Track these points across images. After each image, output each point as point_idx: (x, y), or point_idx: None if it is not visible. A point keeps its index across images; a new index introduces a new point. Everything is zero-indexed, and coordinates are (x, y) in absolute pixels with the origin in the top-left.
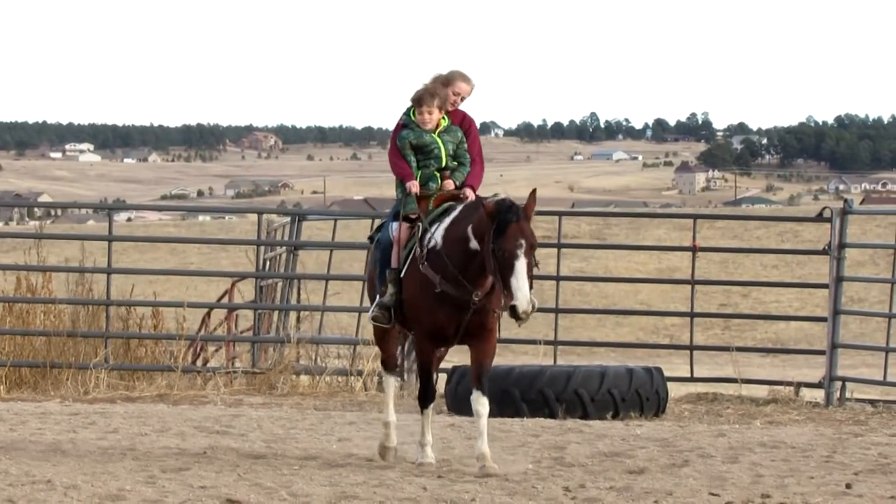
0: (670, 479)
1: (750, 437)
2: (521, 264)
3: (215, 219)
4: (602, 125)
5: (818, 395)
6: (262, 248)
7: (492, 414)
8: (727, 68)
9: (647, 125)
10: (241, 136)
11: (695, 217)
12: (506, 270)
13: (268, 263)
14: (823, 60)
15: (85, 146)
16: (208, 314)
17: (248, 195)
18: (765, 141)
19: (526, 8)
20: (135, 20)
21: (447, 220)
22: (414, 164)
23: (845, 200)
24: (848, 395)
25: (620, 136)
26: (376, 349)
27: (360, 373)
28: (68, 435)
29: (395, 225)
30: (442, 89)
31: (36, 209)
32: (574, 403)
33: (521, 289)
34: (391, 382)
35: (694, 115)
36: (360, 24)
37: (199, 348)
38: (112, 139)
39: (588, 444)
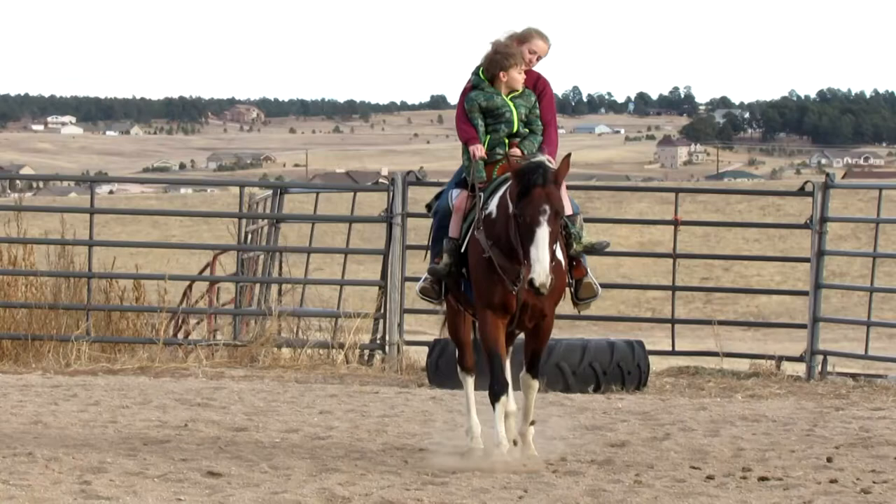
0: (651, 453)
1: (731, 411)
2: (542, 232)
3: (197, 191)
4: (584, 99)
5: (799, 368)
6: (244, 220)
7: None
8: (710, 42)
9: (629, 99)
10: (224, 108)
11: (677, 191)
12: (526, 238)
13: (249, 236)
14: (806, 34)
15: (67, 119)
16: (190, 287)
17: (230, 168)
18: (747, 115)
19: None
20: None
21: (503, 189)
22: (482, 129)
23: (827, 175)
24: (829, 368)
25: (603, 110)
26: (358, 322)
27: (341, 345)
28: (50, 407)
29: (455, 192)
30: (516, 47)
31: (18, 181)
32: (556, 376)
33: (541, 260)
34: (470, 384)
35: (676, 88)
36: None
37: (180, 321)
38: (94, 112)
39: (570, 417)
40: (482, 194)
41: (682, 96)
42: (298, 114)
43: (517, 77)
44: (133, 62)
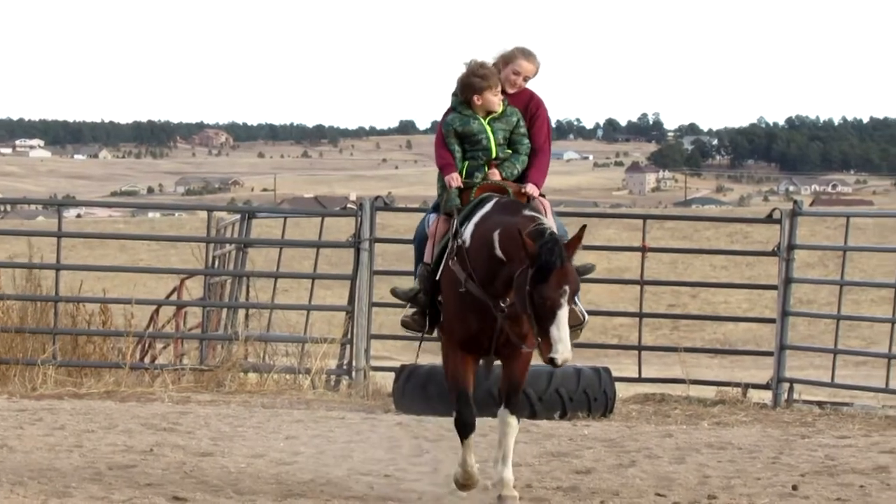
0: (617, 480)
1: (697, 438)
2: (563, 313)
3: (165, 216)
4: (553, 125)
5: (766, 396)
6: (212, 245)
7: (438, 413)
8: (679, 69)
9: (598, 125)
10: (192, 132)
11: (644, 217)
12: (546, 319)
13: (217, 261)
14: (775, 62)
15: (35, 142)
16: (157, 311)
17: (198, 192)
18: (715, 142)
19: (476, 6)
20: (86, 16)
21: (478, 215)
22: (458, 155)
23: (795, 202)
24: (796, 396)
25: (571, 136)
26: (324, 347)
27: (308, 371)
28: (15, 431)
29: (432, 217)
30: (491, 68)
31: None
32: (522, 403)
33: (563, 340)
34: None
35: (645, 115)
36: (310, 22)
37: (147, 345)
38: (62, 135)
39: (535, 443)
40: (456, 221)
41: (651, 123)
42: (267, 138)
43: (492, 99)
44: (102, 86)
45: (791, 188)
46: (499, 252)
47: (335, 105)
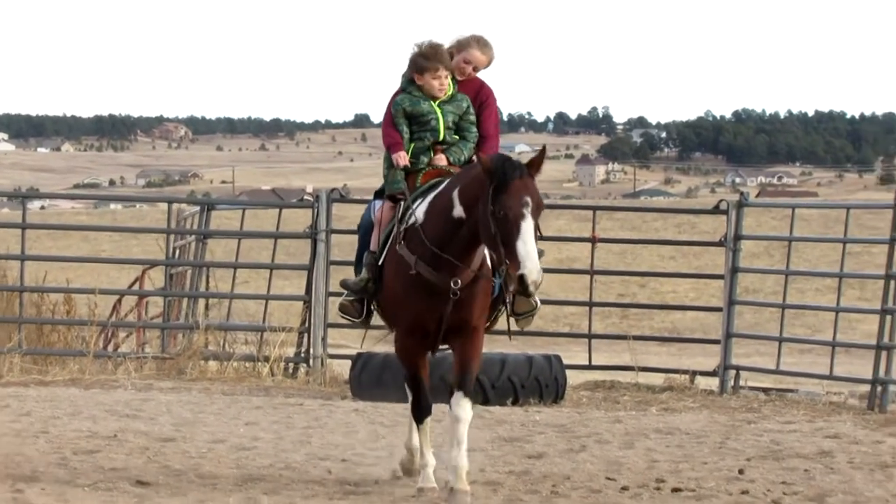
0: (568, 464)
1: (646, 424)
2: (528, 226)
3: (126, 207)
4: (504, 118)
5: (713, 383)
6: (172, 236)
7: (393, 400)
8: (628, 63)
9: (548, 118)
10: (152, 126)
11: (594, 209)
12: (511, 234)
13: (177, 251)
14: (722, 55)
15: None
16: (119, 301)
17: (158, 185)
18: (664, 135)
19: (429, 2)
20: (47, 11)
21: (433, 194)
22: (406, 135)
23: (741, 193)
24: (742, 383)
25: (523, 129)
26: (283, 336)
27: (266, 359)
28: None
29: (377, 203)
30: (438, 53)
31: None
32: (475, 390)
33: (531, 255)
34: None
35: (595, 108)
36: (268, 19)
37: (110, 334)
38: (26, 129)
39: (488, 429)
40: (401, 206)
41: (601, 116)
42: (225, 132)
43: (432, 83)
44: (64, 80)
45: (737, 180)
46: (458, 209)
47: (292, 99)
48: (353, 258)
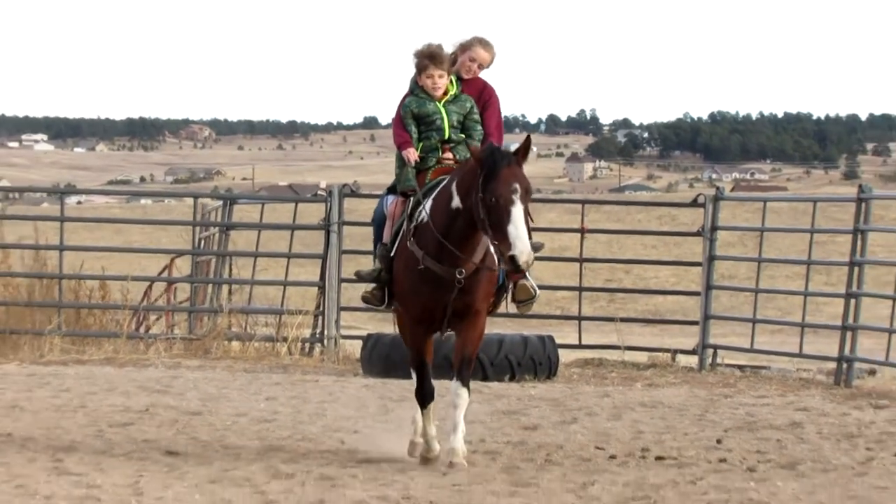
0: (561, 435)
1: (631, 398)
2: (517, 210)
3: (156, 202)
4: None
5: (692, 360)
6: (198, 228)
7: (400, 376)
8: (613, 69)
9: (540, 120)
10: (179, 128)
11: (583, 202)
12: (501, 219)
13: (203, 242)
14: (699, 62)
15: (39, 136)
16: (150, 287)
17: (185, 181)
18: (646, 135)
19: (430, 13)
20: (85, 24)
21: (436, 192)
22: (415, 135)
23: (717, 188)
24: (719, 360)
25: (517, 130)
26: (299, 318)
27: (284, 339)
28: (25, 394)
29: (390, 198)
30: (435, 54)
31: None
32: (475, 368)
33: (521, 237)
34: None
35: (583, 111)
36: (285, 29)
37: (141, 317)
38: (64, 130)
39: (487, 403)
40: (411, 201)
41: (588, 118)
42: (246, 132)
43: (426, 82)
44: (99, 86)
45: (713, 176)
46: (456, 200)
47: (306, 103)
48: (362, 248)
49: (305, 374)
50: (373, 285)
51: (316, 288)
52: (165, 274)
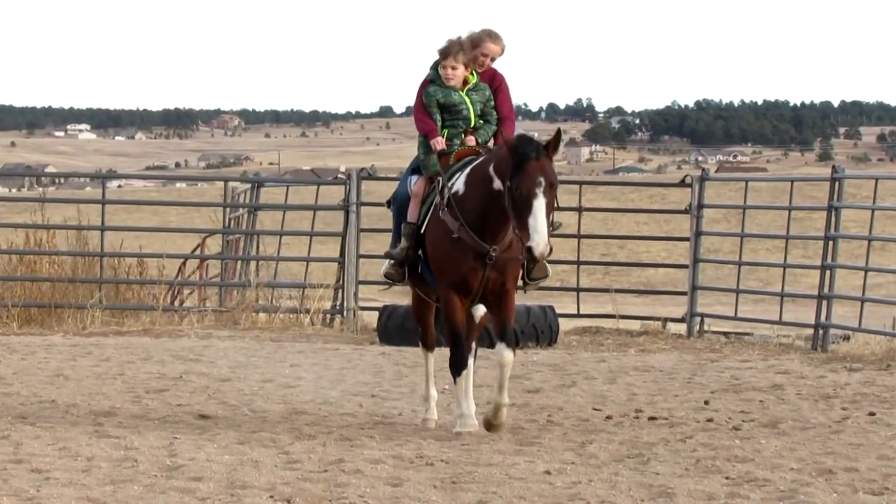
0: (561, 397)
1: (626, 363)
2: (539, 203)
3: (190, 185)
4: None
5: (681, 328)
6: (228, 209)
7: (415, 345)
8: (608, 61)
9: (541, 108)
10: (211, 117)
11: (580, 183)
12: (523, 210)
13: (232, 222)
14: (686, 55)
15: (83, 126)
16: (184, 263)
17: (216, 166)
18: (638, 121)
19: (438, 8)
20: (126, 21)
21: (469, 167)
22: (439, 123)
23: (703, 170)
24: (706, 328)
25: (520, 118)
26: (321, 291)
27: (307, 311)
28: (69, 363)
29: (413, 178)
30: (469, 47)
31: (43, 178)
32: (482, 335)
33: (539, 230)
34: (430, 359)
35: (580, 99)
36: (308, 25)
37: (176, 291)
38: (105, 120)
39: (494, 368)
40: (441, 179)
41: (585, 106)
42: (272, 121)
43: (443, 72)
44: (137, 79)
45: (699, 158)
46: (497, 183)
47: (328, 93)
48: (379, 227)
49: (326, 343)
50: (392, 262)
51: (336, 263)
52: (198, 252)
